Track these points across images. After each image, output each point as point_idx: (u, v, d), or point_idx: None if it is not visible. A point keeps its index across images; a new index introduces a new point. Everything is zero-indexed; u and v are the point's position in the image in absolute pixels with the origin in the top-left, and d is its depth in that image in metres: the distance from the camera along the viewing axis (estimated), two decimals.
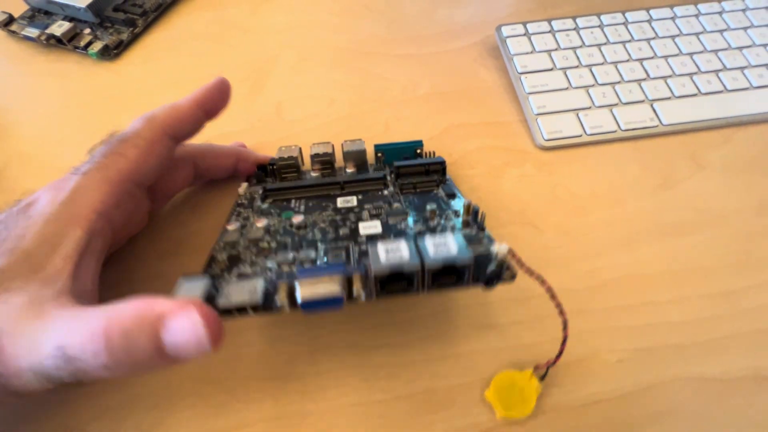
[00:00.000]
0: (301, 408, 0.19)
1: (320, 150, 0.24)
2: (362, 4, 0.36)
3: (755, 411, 0.18)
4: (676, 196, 0.25)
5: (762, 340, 0.20)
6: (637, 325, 0.20)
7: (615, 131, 0.26)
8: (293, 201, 0.22)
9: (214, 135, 0.28)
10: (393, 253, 0.14)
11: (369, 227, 0.18)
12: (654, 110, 0.27)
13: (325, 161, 0.24)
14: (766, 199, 0.24)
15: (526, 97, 0.28)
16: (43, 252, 0.15)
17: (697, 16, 0.31)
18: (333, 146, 0.25)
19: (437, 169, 0.23)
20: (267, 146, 0.27)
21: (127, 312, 0.13)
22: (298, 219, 0.19)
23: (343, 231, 0.19)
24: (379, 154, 0.25)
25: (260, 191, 0.23)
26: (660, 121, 0.27)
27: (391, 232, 0.18)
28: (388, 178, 0.23)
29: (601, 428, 0.18)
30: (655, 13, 0.31)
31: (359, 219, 0.19)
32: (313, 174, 0.24)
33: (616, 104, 0.27)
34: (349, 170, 0.24)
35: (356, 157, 0.24)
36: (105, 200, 0.17)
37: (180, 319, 0.13)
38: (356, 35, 0.34)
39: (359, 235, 0.18)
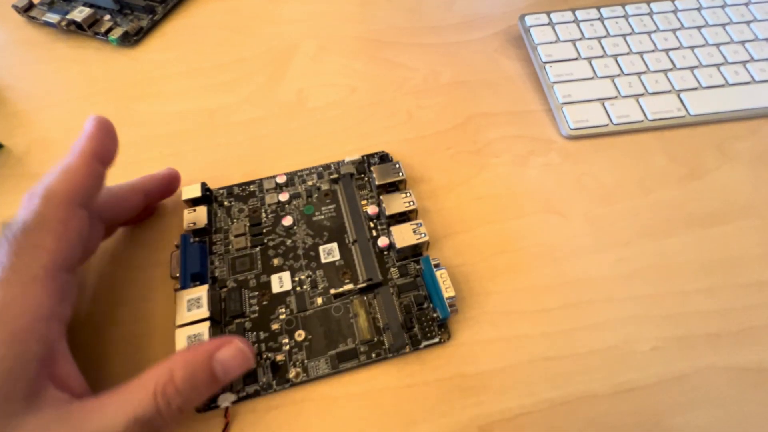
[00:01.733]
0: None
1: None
2: None
3: None
4: (704, 186, 0.24)
5: None
6: (669, 314, 0.20)
7: (642, 121, 0.26)
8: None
9: (235, 121, 0.28)
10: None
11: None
12: (681, 100, 0.27)
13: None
14: None
15: (551, 87, 0.28)
16: (10, 384, 0.13)
17: (723, 6, 0.31)
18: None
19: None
20: (289, 133, 0.27)
21: (178, 361, 0.15)
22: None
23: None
24: None
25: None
26: (687, 111, 0.26)
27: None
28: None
29: (634, 415, 0.18)
30: (680, 3, 0.31)
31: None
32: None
33: (642, 94, 0.27)
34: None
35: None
36: (46, 303, 0.15)
37: (227, 349, 0.16)
38: (376, 25, 0.33)
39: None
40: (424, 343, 0.19)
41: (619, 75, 0.28)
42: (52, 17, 0.33)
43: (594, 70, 0.28)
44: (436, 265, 0.20)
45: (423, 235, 0.21)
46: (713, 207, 0.23)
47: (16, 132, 0.28)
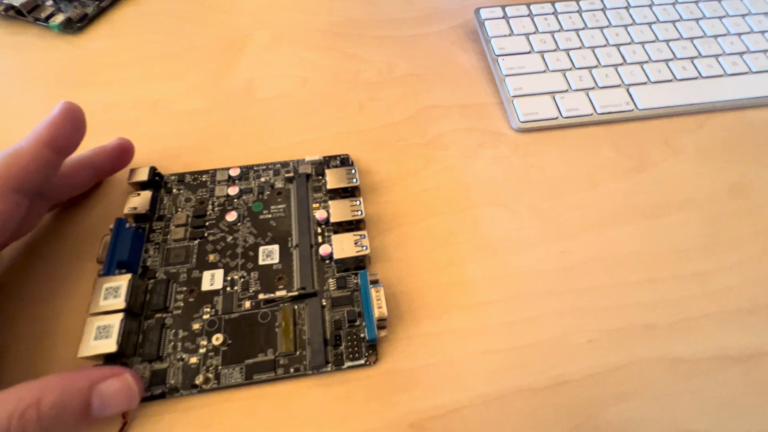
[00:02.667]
0: None
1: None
2: None
3: (722, 391, 0.18)
4: (650, 179, 0.24)
5: (730, 320, 0.20)
6: (608, 306, 0.20)
7: (591, 114, 0.26)
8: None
9: (178, 111, 0.27)
10: None
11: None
12: (630, 95, 0.27)
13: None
14: (737, 183, 0.24)
15: (502, 79, 0.27)
16: None
17: (674, 4, 0.31)
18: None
19: None
20: (237, 123, 0.26)
21: (52, 384, 0.14)
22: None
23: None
24: None
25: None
26: (635, 106, 0.26)
27: None
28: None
29: (568, 408, 0.18)
30: (633, 0, 0.31)
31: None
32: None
33: (592, 88, 0.27)
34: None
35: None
36: None
37: (113, 381, 0.15)
38: (333, 17, 0.33)
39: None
40: (348, 363, 0.18)
41: (570, 69, 0.28)
42: None
43: (546, 64, 0.28)
44: (374, 282, 0.19)
45: (364, 248, 0.19)
46: (658, 199, 0.24)
47: None
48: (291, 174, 0.23)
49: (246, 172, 0.23)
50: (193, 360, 0.18)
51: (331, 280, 0.20)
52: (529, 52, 0.29)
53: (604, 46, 0.29)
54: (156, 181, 0.22)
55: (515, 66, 0.28)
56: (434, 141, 0.26)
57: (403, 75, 0.29)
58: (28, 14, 0.31)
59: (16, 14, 0.31)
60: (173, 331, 0.18)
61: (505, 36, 0.29)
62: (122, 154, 0.22)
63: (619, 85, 0.27)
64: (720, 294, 0.20)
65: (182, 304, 0.19)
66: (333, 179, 0.22)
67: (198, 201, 0.22)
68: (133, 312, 0.18)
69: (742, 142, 0.26)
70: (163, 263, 0.20)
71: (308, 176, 0.23)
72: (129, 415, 0.17)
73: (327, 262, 0.20)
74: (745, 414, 0.18)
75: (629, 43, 0.29)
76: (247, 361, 0.18)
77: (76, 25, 0.31)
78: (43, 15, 0.31)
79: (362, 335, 0.18)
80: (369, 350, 0.18)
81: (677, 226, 0.23)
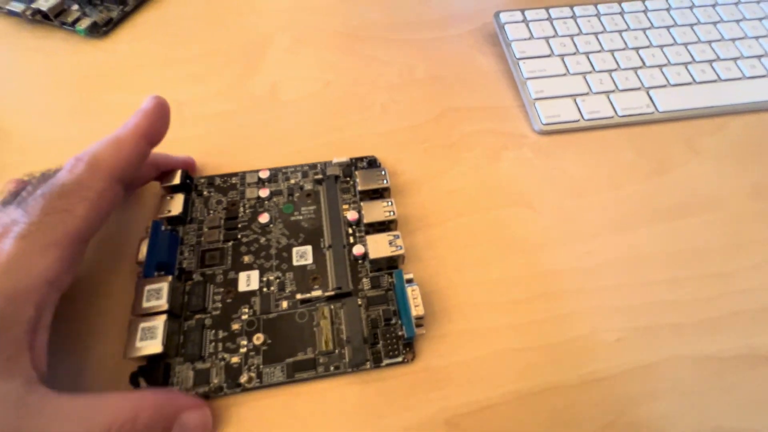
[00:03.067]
0: None
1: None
2: None
3: (751, 388, 0.18)
4: (671, 180, 0.25)
5: (756, 319, 0.20)
6: (634, 305, 0.20)
7: (612, 117, 0.26)
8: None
9: (203, 113, 0.27)
10: None
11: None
12: (650, 97, 0.27)
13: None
14: (758, 184, 0.24)
15: (524, 82, 0.28)
16: None
17: (691, 8, 0.31)
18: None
19: None
20: (263, 125, 0.27)
21: (148, 403, 0.15)
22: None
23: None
24: None
25: None
26: (656, 108, 0.27)
27: None
28: None
29: (600, 405, 0.18)
30: (650, 3, 0.32)
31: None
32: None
33: (612, 91, 0.27)
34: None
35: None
36: (55, 267, 0.15)
37: (196, 414, 0.16)
38: (352, 19, 0.33)
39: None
40: (386, 361, 0.18)
41: (590, 72, 0.28)
42: (17, 6, 0.32)
43: (566, 67, 0.28)
44: (409, 281, 0.19)
45: (399, 248, 0.20)
46: (679, 200, 0.24)
47: None
48: (319, 176, 0.24)
49: (275, 174, 0.24)
50: (235, 359, 0.18)
51: (365, 280, 0.20)
52: (549, 56, 0.29)
53: (623, 49, 0.29)
54: (187, 184, 0.23)
55: (536, 69, 0.28)
56: (458, 143, 0.26)
57: (424, 77, 0.29)
58: (55, 18, 0.31)
59: (43, 18, 0.31)
60: (213, 331, 0.19)
61: (525, 39, 0.30)
62: (187, 167, 0.23)
63: (639, 88, 0.28)
64: (744, 294, 0.21)
65: (220, 305, 0.19)
66: (364, 181, 0.22)
67: (229, 203, 0.23)
68: (173, 313, 0.18)
69: (762, 143, 0.26)
70: (199, 265, 0.20)
71: (336, 178, 0.23)
72: None
73: (360, 262, 0.21)
74: None
75: (648, 47, 0.29)
76: (288, 359, 0.18)
77: (102, 30, 0.31)
78: (70, 19, 0.31)
79: (399, 333, 0.19)
80: (406, 348, 0.19)
81: (700, 226, 0.23)
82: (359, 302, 0.19)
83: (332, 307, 0.19)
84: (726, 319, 0.20)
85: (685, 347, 0.19)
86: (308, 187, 0.23)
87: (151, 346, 0.17)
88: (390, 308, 0.19)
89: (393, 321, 0.19)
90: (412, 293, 0.18)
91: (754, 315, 0.20)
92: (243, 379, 0.18)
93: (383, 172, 0.23)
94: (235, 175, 0.24)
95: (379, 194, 0.23)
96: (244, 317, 0.19)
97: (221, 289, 0.20)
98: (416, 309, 0.18)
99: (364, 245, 0.21)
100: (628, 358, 0.19)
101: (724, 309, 0.20)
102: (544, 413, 0.18)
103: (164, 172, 0.22)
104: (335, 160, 0.24)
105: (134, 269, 0.20)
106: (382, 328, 0.19)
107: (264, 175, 0.24)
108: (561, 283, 0.21)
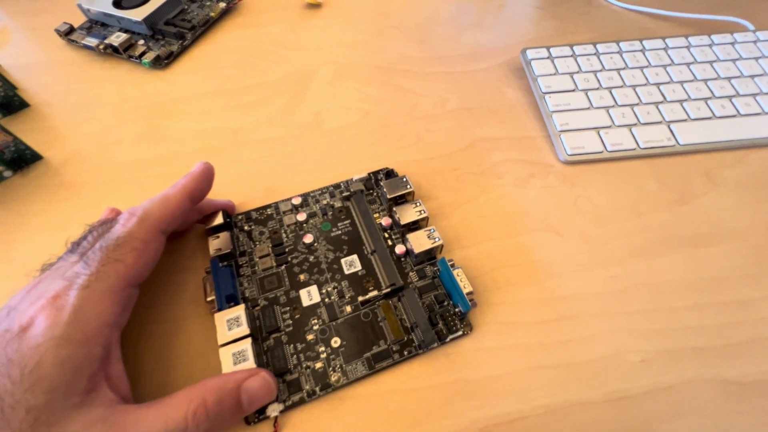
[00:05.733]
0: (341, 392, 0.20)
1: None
2: (393, 26, 0.38)
3: None
4: (692, 210, 0.26)
5: None
6: (658, 329, 0.22)
7: (634, 149, 0.28)
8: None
9: (256, 139, 0.30)
10: None
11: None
12: (671, 131, 0.29)
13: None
14: None
15: (549, 115, 0.30)
16: (66, 378, 0.15)
17: (710, 45, 0.33)
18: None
19: None
20: (308, 151, 0.29)
21: (210, 386, 0.17)
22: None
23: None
24: None
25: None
26: (677, 141, 0.28)
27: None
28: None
29: (624, 423, 0.19)
30: (671, 41, 0.33)
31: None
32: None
33: (635, 124, 0.29)
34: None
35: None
36: (114, 311, 0.17)
37: (254, 379, 0.18)
38: (388, 54, 0.36)
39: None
40: (450, 336, 0.21)
41: (613, 106, 0.30)
42: (91, 41, 0.36)
43: (590, 101, 0.30)
44: (452, 265, 0.22)
45: (437, 239, 0.23)
46: (701, 230, 0.25)
47: (54, 145, 0.30)
48: (346, 193, 0.26)
49: (305, 199, 0.26)
50: (319, 365, 0.20)
51: (411, 273, 0.23)
52: (573, 90, 0.31)
53: (645, 84, 0.31)
54: (228, 223, 0.24)
55: (561, 103, 0.30)
56: (488, 171, 0.28)
57: (456, 109, 0.32)
58: (123, 52, 0.35)
59: (113, 52, 0.35)
60: (291, 345, 0.21)
61: (550, 75, 0.32)
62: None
63: (660, 122, 0.29)
64: (765, 321, 0.22)
65: (291, 322, 0.21)
66: (390, 189, 0.25)
67: (271, 231, 0.25)
68: (254, 336, 0.20)
69: None
70: (260, 291, 0.22)
71: (362, 192, 0.26)
72: (279, 423, 0.19)
73: (403, 259, 0.23)
74: None
75: (669, 82, 0.31)
76: (366, 354, 0.20)
77: (164, 62, 0.35)
78: (136, 53, 0.35)
79: (455, 310, 0.21)
80: (462, 322, 0.21)
81: (721, 255, 0.24)
82: (413, 292, 0.22)
83: (390, 302, 0.22)
84: (747, 346, 0.21)
85: (708, 371, 0.20)
86: (338, 204, 0.26)
87: (246, 365, 0.19)
88: (440, 292, 0.22)
89: (445, 303, 0.22)
90: (458, 274, 0.21)
91: None
92: (332, 379, 0.20)
93: (405, 179, 0.25)
94: (269, 206, 0.26)
95: (404, 199, 0.25)
96: (316, 327, 0.21)
97: (287, 308, 0.22)
98: (465, 287, 0.21)
99: (405, 244, 0.23)
100: (652, 379, 0.20)
101: (745, 335, 0.21)
102: (571, 427, 0.19)
103: (206, 216, 0.24)
104: (356, 177, 0.27)
105: (201, 306, 0.22)
106: (438, 310, 0.21)
107: (297, 201, 0.26)
108: (587, 305, 0.23)
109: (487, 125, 0.31)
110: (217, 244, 0.23)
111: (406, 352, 0.20)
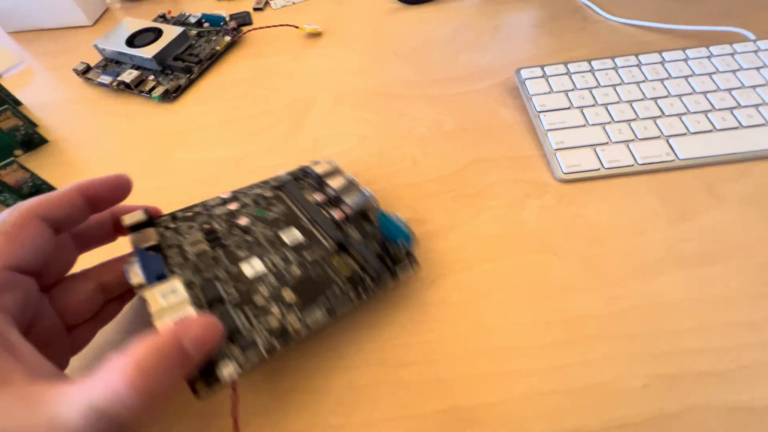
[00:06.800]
0: (334, 421, 0.20)
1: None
2: (391, 51, 0.39)
3: None
4: (695, 227, 0.25)
5: None
6: (661, 352, 0.21)
7: (632, 165, 0.28)
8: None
9: (257, 167, 0.31)
10: None
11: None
12: (670, 145, 0.28)
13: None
14: None
15: (545, 134, 0.30)
16: None
17: (709, 57, 0.33)
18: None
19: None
20: None
21: (142, 348, 0.14)
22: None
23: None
24: None
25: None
26: (676, 156, 0.28)
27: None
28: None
29: None
30: (667, 55, 0.33)
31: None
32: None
33: (632, 140, 0.29)
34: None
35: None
36: None
37: (189, 321, 0.16)
38: (385, 78, 0.37)
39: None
40: (399, 271, 0.22)
41: (609, 122, 0.30)
42: (106, 79, 0.38)
43: (585, 118, 0.30)
44: (384, 212, 0.23)
45: (366, 192, 0.25)
46: (704, 248, 0.24)
47: (69, 178, 0.32)
48: (275, 184, 0.26)
49: (235, 194, 0.25)
50: (274, 322, 0.19)
51: (353, 232, 0.23)
52: (568, 108, 0.31)
53: (642, 99, 0.31)
54: (150, 221, 0.22)
55: (556, 121, 0.30)
56: (483, 191, 0.28)
57: (452, 130, 0.32)
58: (135, 87, 0.37)
59: (126, 87, 0.37)
60: (240, 311, 0.19)
61: (545, 93, 0.32)
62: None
63: (658, 137, 0.29)
64: None
65: (236, 292, 0.20)
66: (320, 168, 0.26)
67: (202, 223, 0.23)
68: (197, 305, 0.18)
69: None
70: (196, 273, 0.20)
71: (293, 179, 0.27)
72: (238, 388, 0.18)
73: (344, 224, 0.24)
74: None
75: (666, 96, 0.31)
76: (321, 301, 0.20)
77: (172, 95, 0.37)
78: (147, 88, 0.37)
79: (398, 250, 0.22)
80: (408, 257, 0.22)
81: (726, 274, 0.23)
82: (357, 243, 0.22)
83: (338, 257, 0.22)
84: (755, 369, 0.20)
85: (713, 396, 0.20)
86: (269, 194, 0.25)
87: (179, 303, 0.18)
88: (381, 239, 0.23)
89: (386, 246, 0.23)
90: (393, 213, 0.23)
91: None
92: (293, 328, 0.19)
93: (332, 161, 0.27)
94: (196, 205, 0.24)
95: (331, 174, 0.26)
96: (265, 293, 0.20)
97: (230, 282, 0.20)
98: (401, 220, 0.22)
99: (341, 207, 0.24)
100: (655, 405, 0.20)
101: (752, 358, 0.20)
102: None
103: (122, 216, 0.22)
104: (282, 171, 0.27)
105: None
106: (382, 253, 0.22)
107: (226, 195, 0.25)
108: (586, 328, 0.22)
109: (482, 146, 0.31)
110: (141, 239, 0.21)
111: (361, 290, 0.21)
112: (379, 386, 0.21)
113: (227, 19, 0.42)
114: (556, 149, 0.29)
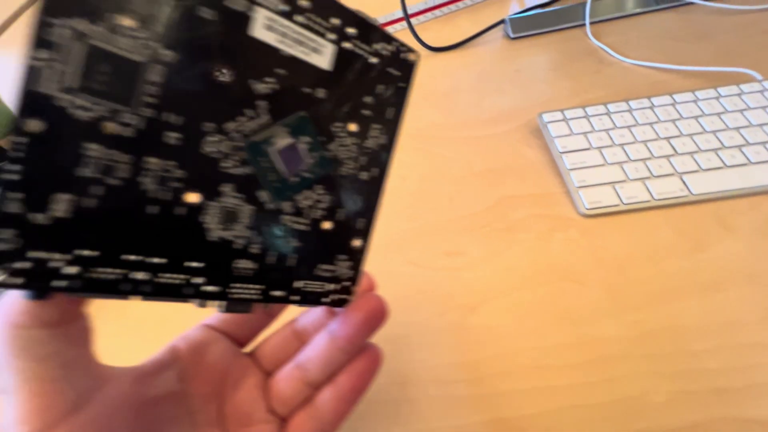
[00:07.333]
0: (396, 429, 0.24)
1: None
2: (422, 97, 0.44)
3: None
4: (709, 257, 0.28)
5: None
6: (680, 370, 0.24)
7: (648, 201, 0.31)
8: None
9: None
10: None
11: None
12: (683, 182, 0.31)
13: None
14: None
15: (567, 173, 0.33)
16: None
17: (717, 98, 0.36)
18: None
19: None
20: None
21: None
22: None
23: None
24: None
25: None
26: (690, 191, 0.31)
27: None
28: None
29: None
30: (678, 97, 0.37)
31: None
32: None
33: (648, 177, 0.32)
34: None
35: None
36: None
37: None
38: (418, 122, 0.41)
39: None
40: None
41: (626, 161, 0.33)
42: None
43: (604, 158, 0.34)
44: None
45: None
46: (718, 276, 0.27)
47: None
48: None
49: None
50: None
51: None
52: (588, 149, 0.35)
53: (655, 139, 0.34)
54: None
55: (577, 161, 0.34)
56: (513, 226, 0.32)
57: (481, 170, 0.36)
58: None
59: None
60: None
61: (566, 135, 0.36)
62: None
63: (672, 174, 0.32)
64: None
65: None
66: None
67: None
68: None
69: None
70: None
71: None
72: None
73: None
74: None
75: (678, 136, 0.34)
76: None
77: None
78: None
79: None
80: None
81: (739, 300, 0.26)
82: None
83: None
84: (766, 386, 0.23)
85: (731, 410, 0.22)
86: None
87: None
88: None
89: None
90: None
91: None
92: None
93: None
94: None
95: None
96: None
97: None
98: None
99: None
100: (677, 417, 0.22)
101: (763, 376, 0.23)
102: None
103: None
104: None
105: None
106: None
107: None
108: (611, 349, 0.25)
109: (510, 184, 0.35)
110: None
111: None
112: (432, 400, 0.24)
113: None
114: (579, 187, 0.32)
